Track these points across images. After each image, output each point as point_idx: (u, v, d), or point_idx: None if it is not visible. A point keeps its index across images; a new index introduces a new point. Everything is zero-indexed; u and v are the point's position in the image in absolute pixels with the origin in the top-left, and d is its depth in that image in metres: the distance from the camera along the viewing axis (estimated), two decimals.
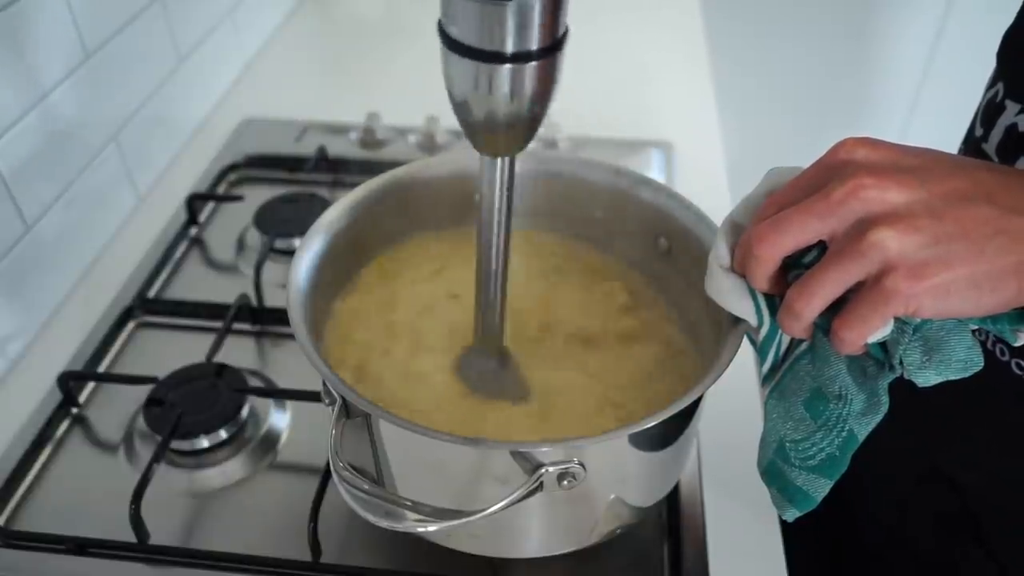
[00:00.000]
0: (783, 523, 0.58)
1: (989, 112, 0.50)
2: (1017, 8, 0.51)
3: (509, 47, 0.39)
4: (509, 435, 0.50)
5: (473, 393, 0.52)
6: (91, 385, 0.68)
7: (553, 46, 0.40)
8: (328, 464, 0.49)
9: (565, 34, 0.41)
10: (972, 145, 0.52)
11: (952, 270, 0.35)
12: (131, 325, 0.74)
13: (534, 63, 0.40)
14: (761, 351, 0.45)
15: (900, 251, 0.35)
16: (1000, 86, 0.50)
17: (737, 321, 0.45)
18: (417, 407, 0.51)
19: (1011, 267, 0.35)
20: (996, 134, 0.49)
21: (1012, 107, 0.48)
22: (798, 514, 0.46)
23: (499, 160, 0.45)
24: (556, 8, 0.39)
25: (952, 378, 0.38)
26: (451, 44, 0.41)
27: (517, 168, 0.60)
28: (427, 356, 0.55)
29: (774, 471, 0.46)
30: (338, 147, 0.94)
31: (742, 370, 0.54)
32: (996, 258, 0.35)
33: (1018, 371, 0.49)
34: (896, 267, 0.35)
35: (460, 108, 0.43)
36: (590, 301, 0.59)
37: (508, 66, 0.40)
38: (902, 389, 0.42)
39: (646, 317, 0.58)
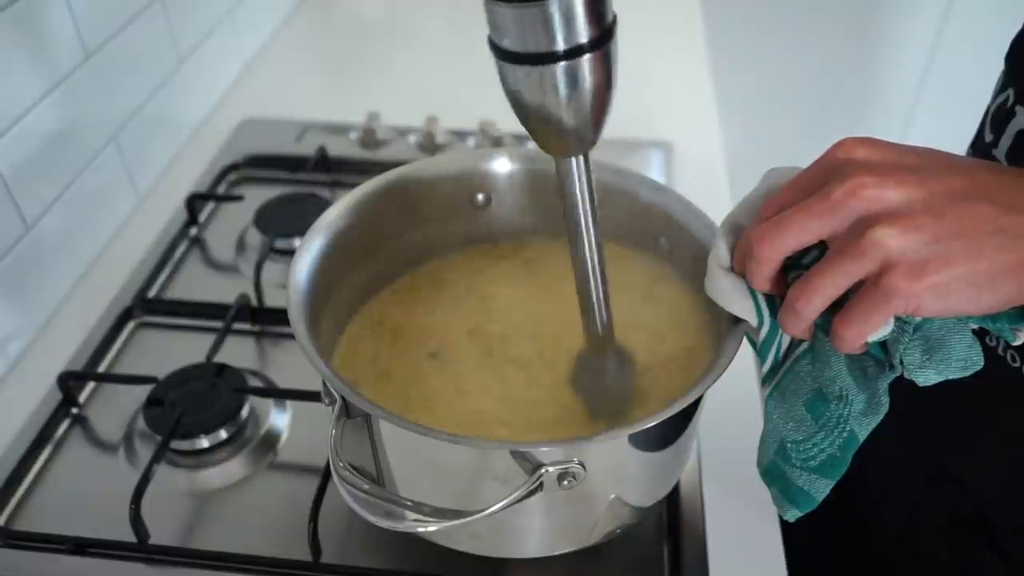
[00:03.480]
0: (784, 523, 0.58)
1: (998, 118, 0.50)
2: None
3: (560, 45, 0.39)
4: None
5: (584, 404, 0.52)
6: (91, 385, 0.68)
7: (603, 36, 0.39)
8: (328, 464, 0.49)
9: (614, 21, 0.40)
10: (981, 150, 0.52)
11: (952, 268, 0.35)
12: (131, 325, 0.74)
13: (587, 55, 0.39)
14: (761, 352, 0.45)
15: (900, 249, 0.35)
16: (1010, 92, 0.50)
17: (737, 321, 0.45)
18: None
19: (1011, 265, 0.35)
20: (1006, 140, 0.49)
21: (1022, 113, 0.48)
22: (799, 514, 0.46)
23: (573, 160, 0.44)
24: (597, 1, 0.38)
25: (952, 377, 0.38)
26: (502, 54, 0.40)
27: (517, 167, 0.60)
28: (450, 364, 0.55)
29: (775, 471, 0.46)
30: (338, 147, 0.94)
31: (742, 370, 0.54)
32: (996, 256, 0.35)
33: None
34: (896, 265, 0.35)
35: (523, 115, 0.42)
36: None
37: (562, 64, 0.39)
38: (911, 392, 0.42)
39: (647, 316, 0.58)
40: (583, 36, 0.39)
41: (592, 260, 0.47)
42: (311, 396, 0.63)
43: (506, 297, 0.59)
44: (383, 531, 0.44)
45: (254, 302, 0.74)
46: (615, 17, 0.40)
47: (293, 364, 0.70)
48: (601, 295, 0.48)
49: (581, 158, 0.44)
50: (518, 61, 0.40)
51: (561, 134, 0.42)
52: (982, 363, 0.38)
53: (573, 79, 0.40)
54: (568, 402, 0.53)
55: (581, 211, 0.46)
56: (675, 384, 0.53)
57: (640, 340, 0.56)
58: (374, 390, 0.53)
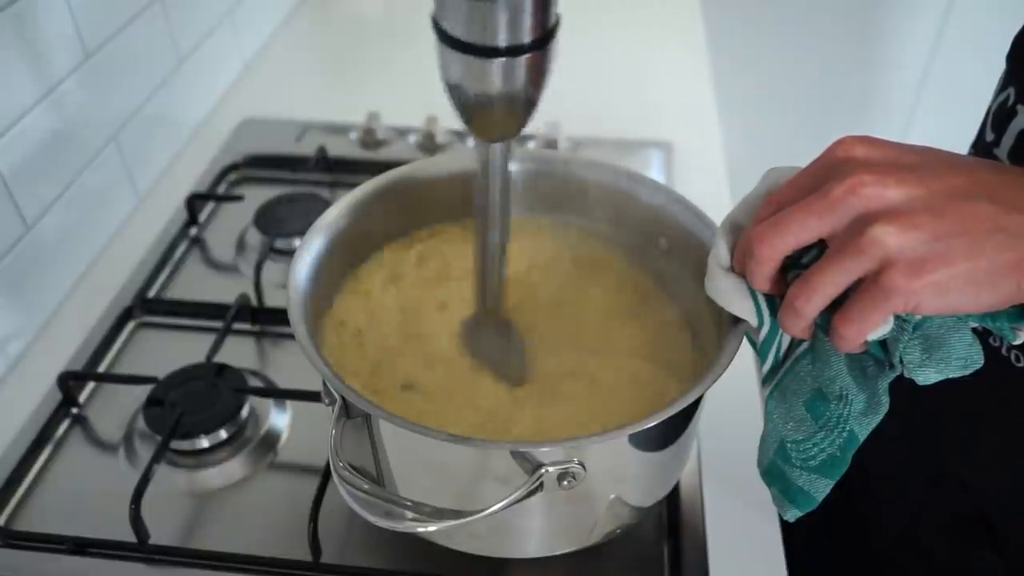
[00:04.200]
0: (784, 523, 0.58)
1: (1000, 117, 0.50)
2: None
3: (501, 41, 0.41)
4: (508, 412, 0.52)
5: (473, 359, 0.54)
6: (91, 385, 0.68)
7: (544, 38, 0.42)
8: (328, 464, 0.49)
9: (556, 24, 0.42)
10: (982, 150, 0.52)
11: (951, 266, 0.35)
12: (131, 325, 0.74)
13: (526, 55, 0.42)
14: (761, 351, 0.45)
15: (899, 247, 0.35)
16: (1011, 91, 0.50)
17: (737, 321, 0.45)
18: (416, 364, 0.54)
19: (1010, 264, 0.35)
20: (1008, 139, 0.49)
21: None
22: (799, 514, 0.46)
23: (497, 146, 0.47)
24: (544, 3, 0.41)
25: (952, 376, 0.38)
26: (445, 39, 0.42)
27: (518, 167, 0.60)
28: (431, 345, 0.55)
29: (775, 471, 0.46)
30: (338, 147, 0.94)
31: (742, 370, 0.54)
32: (995, 255, 0.35)
33: None
34: (895, 263, 0.35)
35: (457, 98, 0.45)
36: (588, 299, 0.59)
37: (501, 59, 0.41)
38: (911, 391, 0.42)
39: (646, 316, 0.58)
40: (525, 37, 0.41)
41: (495, 241, 0.51)
42: (311, 396, 0.63)
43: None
44: (383, 531, 0.44)
45: (254, 302, 0.74)
46: (559, 20, 0.43)
47: (293, 364, 0.70)
48: (499, 269, 0.52)
49: (504, 144, 0.47)
50: (459, 49, 0.42)
51: (490, 122, 0.45)
52: (982, 362, 0.38)
53: (510, 75, 0.42)
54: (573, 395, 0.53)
55: (493, 192, 0.49)
56: (675, 385, 0.53)
57: (639, 340, 0.56)
58: (375, 390, 0.53)
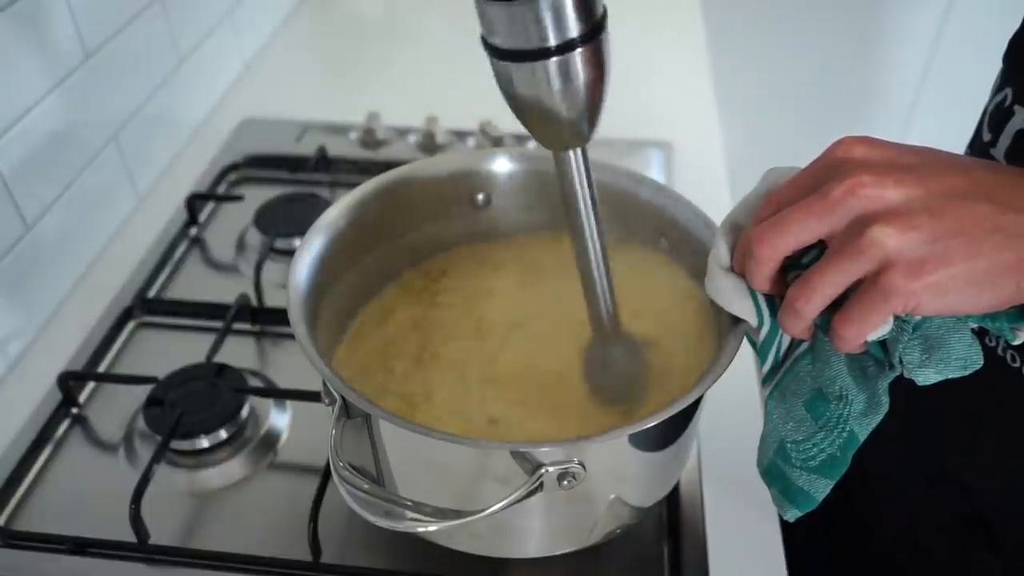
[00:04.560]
0: (784, 523, 0.58)
1: (997, 117, 0.50)
2: (1023, 11, 0.51)
3: (551, 40, 0.39)
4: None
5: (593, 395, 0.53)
6: (91, 385, 0.68)
7: (593, 29, 0.40)
8: (328, 464, 0.49)
9: (604, 14, 0.41)
10: (979, 150, 0.52)
11: (950, 267, 0.35)
12: (131, 325, 0.74)
13: (579, 50, 0.40)
14: (761, 352, 0.45)
15: (899, 248, 0.35)
16: (1008, 91, 0.50)
17: (737, 321, 0.45)
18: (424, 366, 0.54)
19: (1009, 264, 0.35)
20: (1005, 139, 0.49)
21: (1021, 112, 0.48)
22: (799, 514, 0.46)
23: (571, 153, 0.45)
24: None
25: (952, 376, 0.38)
26: (496, 52, 0.41)
27: (517, 167, 0.60)
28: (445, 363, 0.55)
29: (775, 471, 0.46)
30: (338, 147, 0.94)
31: (742, 370, 0.54)
32: (994, 255, 0.35)
33: None
34: (895, 264, 0.35)
35: (519, 110, 0.43)
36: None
37: (555, 59, 0.40)
38: (911, 392, 0.42)
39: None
40: (574, 31, 0.39)
41: (595, 251, 0.48)
42: (311, 396, 0.63)
43: (507, 294, 0.59)
44: (383, 531, 0.44)
45: (254, 302, 0.74)
46: (605, 10, 0.41)
47: (293, 364, 0.70)
48: (605, 285, 0.49)
49: (579, 151, 0.45)
50: (511, 58, 0.40)
51: (557, 128, 0.43)
52: (981, 362, 0.38)
53: (566, 74, 0.41)
54: (575, 393, 0.53)
55: (582, 203, 0.46)
56: (675, 385, 0.53)
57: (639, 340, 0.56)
58: (374, 389, 0.53)
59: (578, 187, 0.46)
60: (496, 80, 0.43)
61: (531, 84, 0.41)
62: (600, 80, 0.42)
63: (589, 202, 0.46)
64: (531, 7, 0.38)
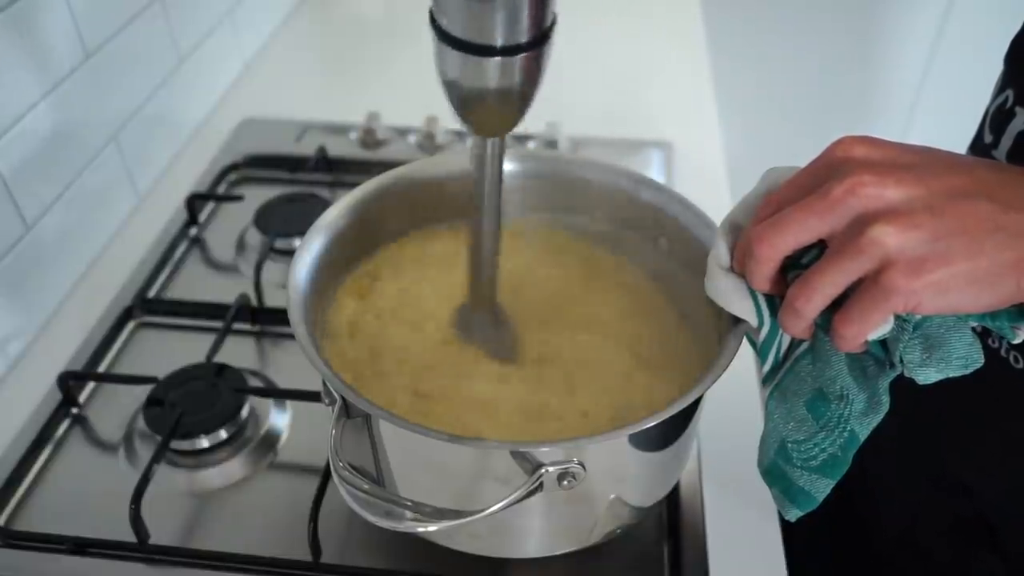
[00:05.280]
0: (784, 523, 0.58)
1: (998, 119, 0.50)
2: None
3: (499, 41, 0.41)
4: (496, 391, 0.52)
5: (466, 345, 0.55)
6: (91, 385, 0.68)
7: (540, 38, 0.42)
8: (328, 464, 0.49)
9: (553, 23, 0.43)
10: (981, 151, 0.52)
11: (951, 266, 0.35)
12: (131, 325, 0.74)
13: (523, 55, 0.42)
14: (761, 352, 0.45)
15: (899, 247, 0.35)
16: (1009, 92, 0.50)
17: (737, 321, 0.45)
18: (409, 352, 0.54)
19: (1010, 263, 0.35)
20: (1007, 141, 0.49)
21: (1022, 114, 0.48)
22: (800, 514, 0.46)
23: (490, 141, 0.48)
24: (541, 4, 0.41)
25: (953, 375, 0.38)
26: (442, 36, 0.43)
27: (517, 167, 0.60)
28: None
29: (775, 471, 0.46)
30: (338, 147, 0.94)
31: (742, 370, 0.54)
32: (995, 254, 0.35)
33: None
34: (895, 263, 0.35)
35: (451, 93, 0.45)
36: (589, 298, 0.59)
37: (498, 58, 0.42)
38: (912, 392, 0.42)
39: (646, 315, 0.58)
40: (522, 36, 0.42)
41: (489, 231, 0.51)
42: (311, 396, 0.63)
43: (509, 291, 0.59)
44: (383, 531, 0.44)
45: (254, 302, 0.74)
46: (555, 19, 0.43)
47: (293, 364, 0.70)
48: (492, 256, 0.53)
49: (498, 140, 0.48)
50: (455, 45, 0.42)
51: (486, 118, 0.46)
52: (982, 361, 0.38)
53: (506, 74, 0.43)
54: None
55: (488, 184, 0.49)
56: (674, 385, 0.53)
57: (638, 340, 0.56)
58: (375, 388, 0.53)
59: (487, 171, 0.49)
60: (435, 60, 0.45)
61: (470, 74, 0.43)
62: (536, 81, 0.44)
63: (495, 187, 0.50)
64: (489, 6, 0.40)
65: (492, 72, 0.43)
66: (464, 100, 0.45)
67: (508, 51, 0.42)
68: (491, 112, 0.45)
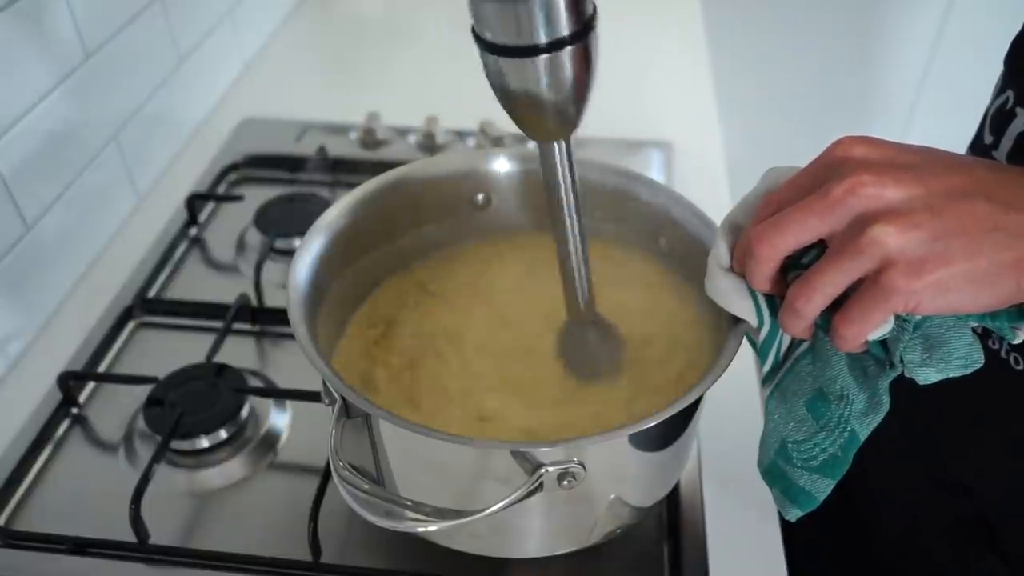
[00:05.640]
0: (784, 523, 0.58)
1: (998, 120, 0.50)
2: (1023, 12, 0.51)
3: (542, 39, 0.41)
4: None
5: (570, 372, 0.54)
6: (91, 385, 0.68)
7: (583, 28, 0.41)
8: (328, 464, 0.49)
9: (595, 13, 0.42)
10: (981, 152, 0.52)
11: (951, 266, 0.35)
12: (131, 325, 0.74)
13: (569, 48, 0.41)
14: (761, 352, 0.45)
15: (899, 247, 0.35)
16: (1010, 93, 0.50)
17: (737, 321, 0.45)
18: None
19: (1009, 263, 0.35)
20: (1007, 142, 0.49)
21: (1023, 115, 0.48)
22: (800, 514, 0.46)
23: (555, 144, 0.46)
24: None
25: (953, 375, 0.38)
26: (486, 46, 0.42)
27: (517, 167, 0.60)
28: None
29: (776, 472, 0.46)
30: (338, 147, 0.94)
31: (742, 370, 0.54)
32: (995, 254, 0.35)
33: None
34: (895, 263, 0.35)
35: (507, 102, 0.44)
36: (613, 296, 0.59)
37: (544, 56, 0.41)
38: (912, 393, 0.42)
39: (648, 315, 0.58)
40: (564, 30, 0.41)
41: (575, 238, 0.49)
42: (311, 396, 0.63)
43: (505, 290, 0.59)
44: (383, 531, 0.44)
45: (254, 302, 0.74)
46: (596, 9, 0.42)
47: (293, 364, 0.70)
48: (583, 269, 0.51)
49: (563, 143, 0.46)
50: (501, 53, 0.42)
51: (544, 120, 0.45)
52: (982, 361, 0.38)
53: (555, 71, 0.42)
54: (567, 384, 0.53)
55: (563, 192, 0.48)
56: (674, 385, 0.53)
57: (638, 340, 0.56)
58: (374, 388, 0.53)
59: (560, 178, 0.47)
60: (485, 72, 0.44)
61: (520, 79, 0.42)
62: (587, 77, 0.43)
63: (571, 190, 0.48)
64: (525, 6, 0.39)
65: (539, 72, 0.42)
66: (516, 106, 0.44)
67: (552, 47, 0.41)
68: (545, 115, 0.44)
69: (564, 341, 0.55)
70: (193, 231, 0.84)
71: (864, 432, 0.42)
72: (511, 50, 0.41)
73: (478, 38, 0.42)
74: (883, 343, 0.39)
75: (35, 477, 0.61)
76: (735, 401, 0.61)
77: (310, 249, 0.53)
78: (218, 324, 0.71)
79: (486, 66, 0.44)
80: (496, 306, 0.59)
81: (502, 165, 0.60)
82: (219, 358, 0.67)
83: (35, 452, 0.62)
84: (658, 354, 0.55)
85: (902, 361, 0.38)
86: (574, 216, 0.49)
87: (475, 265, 0.61)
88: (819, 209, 0.37)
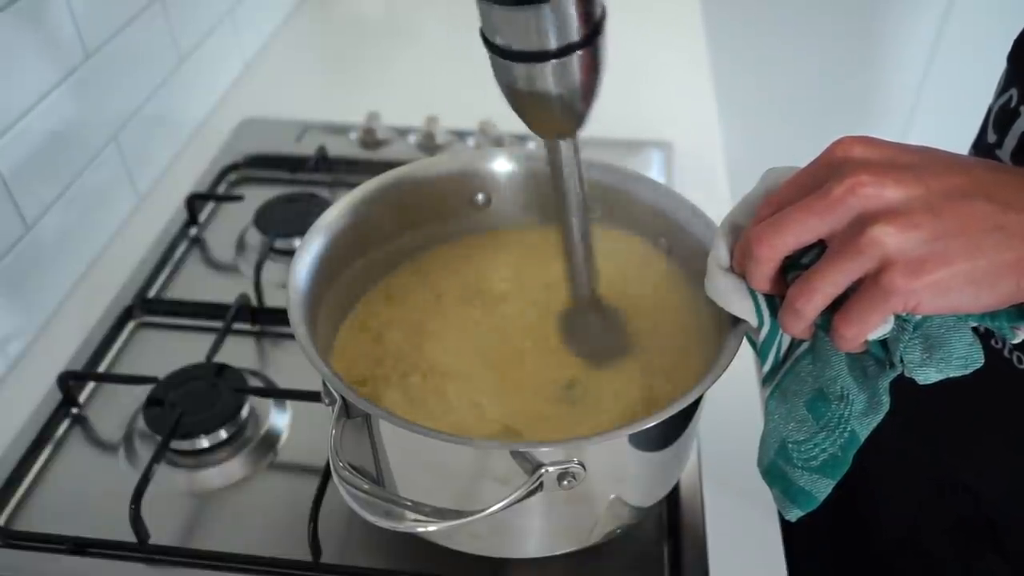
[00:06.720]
0: (784, 523, 0.58)
1: (1002, 118, 0.50)
2: None
3: (552, 44, 0.41)
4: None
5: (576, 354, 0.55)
6: (91, 385, 0.68)
7: (592, 33, 0.42)
8: (328, 464, 0.49)
9: (603, 15, 0.43)
10: (984, 151, 0.52)
11: (950, 266, 0.35)
12: (131, 325, 0.74)
13: (578, 52, 0.42)
14: (761, 352, 0.45)
15: (899, 247, 0.35)
16: (1013, 92, 0.50)
17: (737, 321, 0.45)
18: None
19: (1009, 263, 0.35)
20: (1011, 140, 0.49)
21: None
22: (800, 514, 0.46)
23: (562, 142, 0.47)
24: (585, 4, 0.41)
25: (953, 375, 0.38)
26: (495, 50, 0.43)
27: (517, 167, 0.60)
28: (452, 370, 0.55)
29: (776, 472, 0.46)
30: (338, 147, 0.94)
31: (742, 370, 0.54)
32: (994, 254, 0.35)
33: None
34: (895, 263, 0.35)
35: (515, 101, 0.45)
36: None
37: (554, 62, 0.42)
38: (912, 393, 0.42)
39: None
40: (574, 35, 0.41)
41: (580, 232, 0.51)
42: (311, 396, 0.63)
43: (505, 290, 0.59)
44: (383, 531, 0.44)
45: (254, 302, 0.74)
46: (604, 11, 0.43)
47: (293, 364, 0.70)
48: (585, 256, 0.52)
49: (571, 140, 0.47)
50: (511, 57, 0.42)
51: (552, 120, 0.45)
52: (982, 361, 0.38)
53: (564, 74, 0.43)
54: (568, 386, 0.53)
55: (571, 186, 0.49)
56: (673, 385, 0.53)
57: (638, 340, 0.56)
58: (373, 387, 0.53)
59: (567, 173, 0.48)
60: (493, 73, 0.44)
61: (529, 81, 0.43)
62: (596, 77, 0.44)
63: (578, 187, 0.49)
64: (535, 13, 0.40)
65: (549, 76, 0.42)
66: (524, 106, 0.45)
67: (562, 52, 0.42)
68: (554, 114, 0.45)
69: (568, 330, 0.56)
70: (193, 231, 0.84)
71: (864, 432, 0.42)
72: (521, 55, 0.42)
73: (487, 41, 0.43)
74: (883, 343, 0.39)
75: (35, 477, 0.61)
76: (735, 401, 0.61)
77: (310, 249, 0.53)
78: (218, 324, 0.71)
79: (494, 67, 0.44)
80: (496, 306, 0.59)
81: (502, 165, 0.60)
82: (219, 358, 0.67)
83: (35, 452, 0.62)
84: (658, 353, 0.55)
85: (902, 361, 0.38)
86: (580, 210, 0.50)
87: (475, 265, 0.61)
88: (819, 209, 0.37)
